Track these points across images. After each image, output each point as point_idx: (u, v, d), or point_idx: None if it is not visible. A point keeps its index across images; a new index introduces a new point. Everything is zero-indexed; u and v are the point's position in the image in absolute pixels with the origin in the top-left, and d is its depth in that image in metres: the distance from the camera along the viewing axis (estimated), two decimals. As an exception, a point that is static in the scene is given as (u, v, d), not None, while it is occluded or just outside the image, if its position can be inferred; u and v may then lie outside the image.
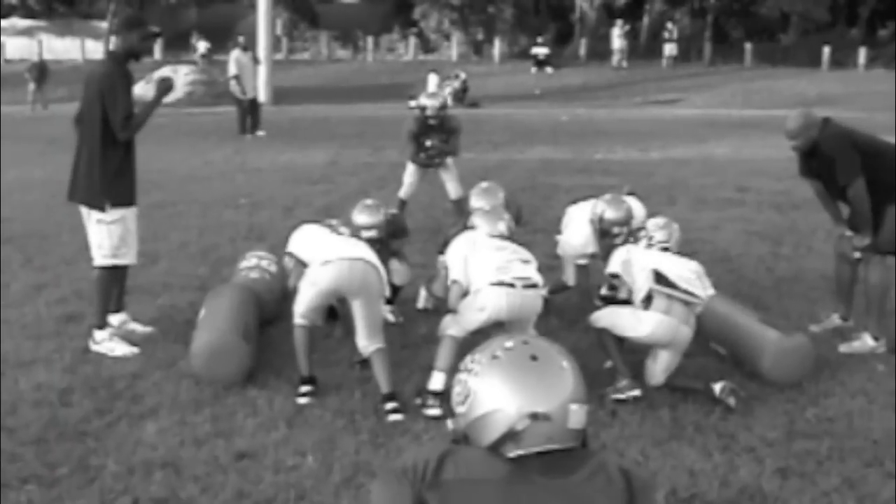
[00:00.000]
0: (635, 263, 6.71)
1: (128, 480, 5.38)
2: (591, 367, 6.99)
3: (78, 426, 6.12)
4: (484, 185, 8.48)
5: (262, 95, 24.51)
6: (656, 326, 6.49)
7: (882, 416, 6.42)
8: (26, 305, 8.71)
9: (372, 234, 7.41)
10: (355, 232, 7.14)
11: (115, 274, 7.78)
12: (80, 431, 6.04)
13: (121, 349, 7.55)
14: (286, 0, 54.62)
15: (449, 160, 12.04)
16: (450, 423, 2.51)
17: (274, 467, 5.55)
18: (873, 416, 6.41)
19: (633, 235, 7.40)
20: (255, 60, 25.85)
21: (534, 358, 2.45)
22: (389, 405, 6.31)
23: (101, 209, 7.47)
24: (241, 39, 25.26)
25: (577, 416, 2.46)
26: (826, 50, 45.64)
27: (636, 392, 6.54)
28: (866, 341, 7.68)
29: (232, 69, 24.38)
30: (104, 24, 50.63)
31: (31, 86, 35.96)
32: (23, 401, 6.50)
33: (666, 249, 6.96)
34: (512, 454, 2.42)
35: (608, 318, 6.74)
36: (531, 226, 11.02)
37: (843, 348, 7.68)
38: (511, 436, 2.40)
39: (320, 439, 5.93)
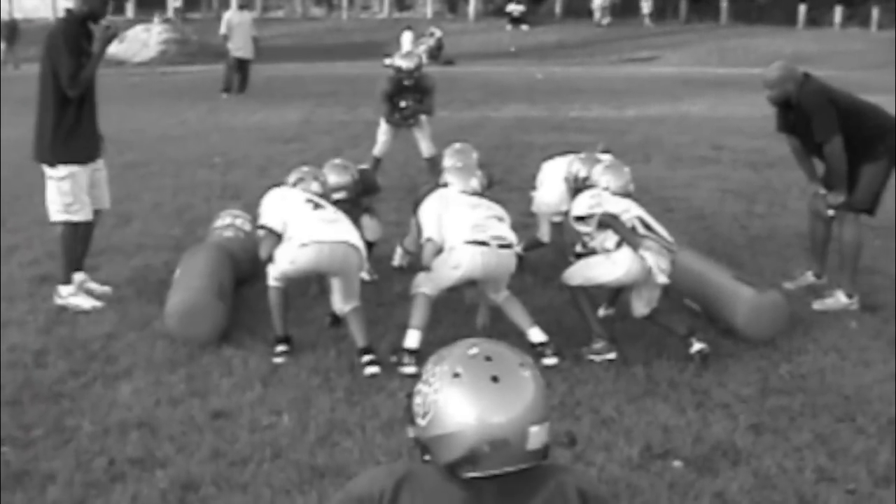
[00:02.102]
0: (609, 207, 6.66)
1: (103, 441, 5.38)
2: (565, 324, 7.04)
3: (53, 387, 6.11)
4: (457, 145, 8.45)
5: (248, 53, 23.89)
6: (630, 264, 6.49)
7: (854, 372, 6.47)
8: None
9: (341, 195, 7.44)
10: (325, 190, 7.09)
11: (77, 230, 7.80)
12: (55, 392, 6.03)
13: (86, 303, 7.64)
14: (260, -42, 54.25)
15: (423, 118, 12.05)
16: (410, 431, 2.47)
17: (249, 426, 5.56)
18: (845, 373, 6.46)
19: (584, 187, 7.32)
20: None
21: (495, 379, 2.35)
22: (366, 357, 6.33)
23: (51, 165, 7.56)
24: None
25: (537, 437, 2.37)
26: (802, 8, 45.61)
27: (611, 355, 6.56)
28: (839, 298, 7.72)
29: (221, 28, 24.12)
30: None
31: (2, 45, 35.59)
32: (-4, 362, 6.48)
33: (628, 195, 6.95)
34: (469, 475, 2.37)
35: (581, 271, 6.73)
36: (506, 184, 11.03)
37: (817, 305, 7.72)
38: (469, 458, 2.35)
39: (295, 398, 5.94)
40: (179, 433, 5.47)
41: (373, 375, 6.23)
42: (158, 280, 8.11)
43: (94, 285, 8.02)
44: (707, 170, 13.78)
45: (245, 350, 6.70)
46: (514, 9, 46.70)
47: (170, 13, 46.06)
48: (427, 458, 2.45)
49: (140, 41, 38.78)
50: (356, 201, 7.78)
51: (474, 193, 6.93)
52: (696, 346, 6.51)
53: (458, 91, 22.77)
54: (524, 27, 46.08)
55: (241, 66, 24.14)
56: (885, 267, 8.73)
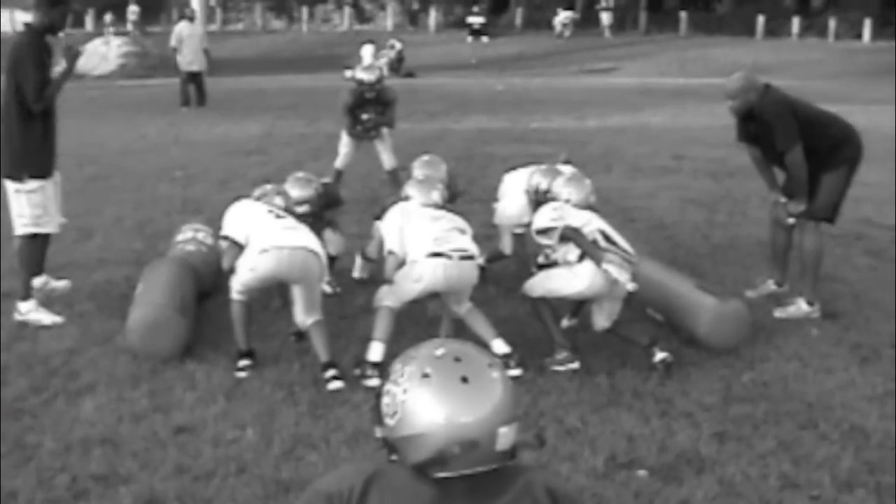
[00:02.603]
0: (571, 220, 6.68)
1: (66, 458, 5.32)
2: (528, 335, 7.03)
3: (13, 404, 6.04)
4: (426, 157, 8.48)
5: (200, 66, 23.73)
6: (593, 277, 6.50)
7: (816, 379, 6.51)
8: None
9: (304, 208, 7.43)
10: (289, 204, 7.07)
11: (37, 243, 7.81)
12: (16, 409, 5.96)
13: (47, 318, 7.59)
14: (220, -30, 54.20)
15: (384, 131, 12.09)
16: (378, 431, 2.48)
17: (213, 441, 5.52)
18: (808, 380, 6.50)
19: (545, 199, 7.28)
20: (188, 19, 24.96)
21: (464, 380, 2.35)
22: (329, 373, 6.30)
23: (20, 180, 7.52)
24: (187, 10, 24.93)
25: (506, 438, 2.38)
26: (760, 19, 45.99)
27: (574, 365, 6.58)
28: (801, 306, 7.77)
29: (171, 41, 24.12)
30: (33, -4, 49.73)
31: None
32: (-44, 380, 6.41)
33: (590, 207, 6.98)
34: (438, 475, 2.37)
35: (542, 283, 6.74)
36: (468, 195, 11.01)
37: (778, 313, 7.77)
38: (438, 459, 2.35)
39: (259, 412, 5.91)
40: (143, 449, 5.43)
41: (336, 390, 6.21)
42: (120, 295, 8.05)
43: (54, 283, 8.11)
44: (668, 180, 13.85)
45: (208, 364, 6.66)
46: (475, 21, 46.81)
47: (129, 26, 45.92)
48: (394, 458, 2.44)
49: (99, 54, 38.57)
50: (319, 215, 7.78)
51: (436, 206, 6.94)
52: (659, 356, 6.53)
53: (419, 103, 22.76)
54: (484, 39, 46.22)
55: (194, 79, 24.06)
56: (845, 275, 8.82)
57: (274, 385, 6.31)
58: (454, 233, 6.62)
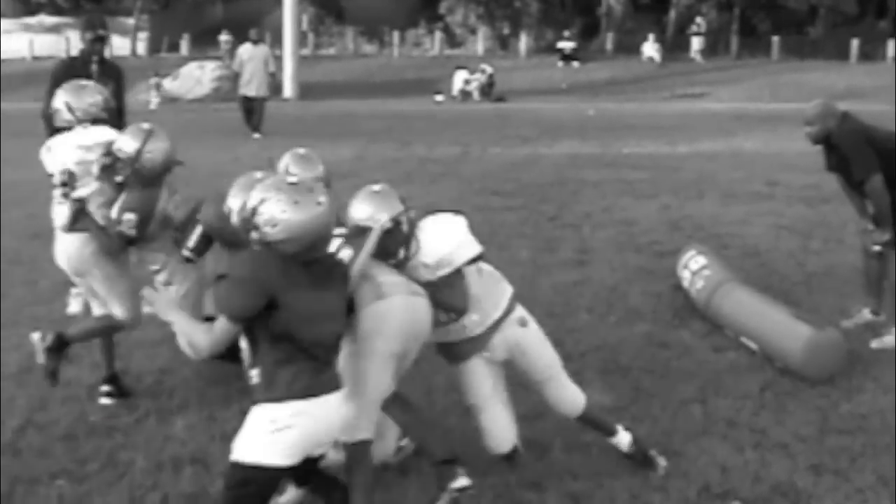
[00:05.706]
0: None
1: (157, 476, 5.38)
2: (622, 361, 6.96)
3: (106, 422, 6.13)
4: (301, 151, 6.76)
5: (288, 91, 23.03)
6: None
7: (915, 411, 6.35)
8: (55, 301, 8.68)
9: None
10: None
11: None
12: (109, 427, 6.05)
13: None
14: (312, -5, 54.77)
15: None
16: (255, 235, 4.00)
17: (303, 463, 5.53)
18: (906, 412, 6.34)
19: None
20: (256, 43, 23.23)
21: (319, 203, 3.99)
22: None
23: None
24: (251, 32, 23.50)
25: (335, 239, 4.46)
26: (854, 42, 45.33)
27: None
28: (897, 336, 7.60)
29: (234, 64, 23.34)
30: (130, 21, 50.82)
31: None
32: (52, 397, 6.51)
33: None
34: (303, 259, 4.02)
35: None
36: (559, 220, 10.99)
37: (875, 343, 7.59)
38: (308, 249, 4.00)
39: (349, 434, 5.90)
40: (233, 469, 5.46)
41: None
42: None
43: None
44: (761, 206, 13.64)
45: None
46: (565, 45, 46.72)
47: (221, 52, 46.60)
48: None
49: (194, 78, 39.23)
50: None
51: None
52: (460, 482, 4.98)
53: (511, 128, 22.80)
54: (575, 64, 46.08)
55: (249, 103, 23.05)
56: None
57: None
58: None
